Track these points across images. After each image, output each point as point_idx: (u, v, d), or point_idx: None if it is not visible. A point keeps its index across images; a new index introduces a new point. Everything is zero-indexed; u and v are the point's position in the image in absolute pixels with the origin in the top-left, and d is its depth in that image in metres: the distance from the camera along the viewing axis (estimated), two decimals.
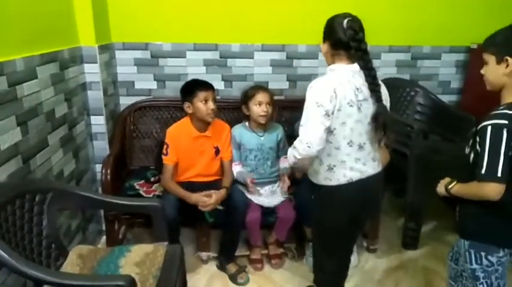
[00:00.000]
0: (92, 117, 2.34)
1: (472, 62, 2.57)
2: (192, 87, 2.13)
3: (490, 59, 1.32)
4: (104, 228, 2.43)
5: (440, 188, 1.50)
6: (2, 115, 1.45)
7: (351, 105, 1.41)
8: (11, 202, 1.41)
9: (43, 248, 1.52)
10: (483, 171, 1.24)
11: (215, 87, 2.20)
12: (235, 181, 2.28)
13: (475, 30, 2.60)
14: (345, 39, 1.42)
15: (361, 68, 1.45)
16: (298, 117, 2.55)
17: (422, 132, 2.55)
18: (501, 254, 1.36)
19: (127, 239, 2.47)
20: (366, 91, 1.45)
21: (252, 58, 2.72)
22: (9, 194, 1.40)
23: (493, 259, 1.37)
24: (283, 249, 2.42)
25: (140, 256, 1.61)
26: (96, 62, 2.24)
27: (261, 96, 2.21)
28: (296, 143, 1.44)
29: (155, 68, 2.67)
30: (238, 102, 2.41)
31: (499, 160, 1.22)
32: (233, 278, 2.20)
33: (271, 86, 2.69)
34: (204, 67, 2.69)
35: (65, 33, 2.05)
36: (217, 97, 2.45)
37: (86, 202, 1.64)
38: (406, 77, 2.87)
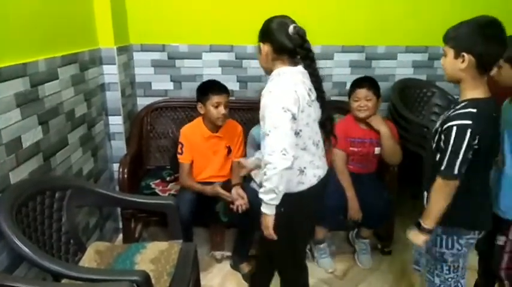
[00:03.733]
0: (110, 118, 2.40)
1: None
2: (207, 90, 2.15)
3: (449, 52, 1.35)
4: (120, 226, 2.49)
5: (415, 238, 1.48)
6: (24, 114, 1.51)
7: (309, 106, 1.44)
8: (32, 198, 1.46)
9: (62, 243, 1.57)
10: (442, 168, 1.33)
11: (230, 88, 2.22)
12: (249, 181, 2.29)
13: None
14: (291, 45, 1.41)
15: (310, 75, 1.48)
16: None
17: None
18: (470, 235, 1.46)
19: (143, 238, 2.52)
20: (314, 92, 1.50)
21: None
22: (30, 191, 1.46)
23: (462, 242, 1.46)
24: None
25: (155, 253, 1.64)
26: (114, 64, 2.30)
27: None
28: (268, 161, 1.33)
29: (172, 69, 2.71)
30: (252, 103, 2.43)
31: (458, 158, 1.29)
32: (246, 277, 2.22)
33: None
34: (220, 68, 2.72)
35: (85, 35, 2.12)
36: (232, 98, 2.48)
37: (103, 199, 1.69)
38: (423, 77, 2.83)
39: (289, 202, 1.43)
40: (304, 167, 1.48)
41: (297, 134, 1.40)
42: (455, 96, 2.68)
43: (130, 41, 2.61)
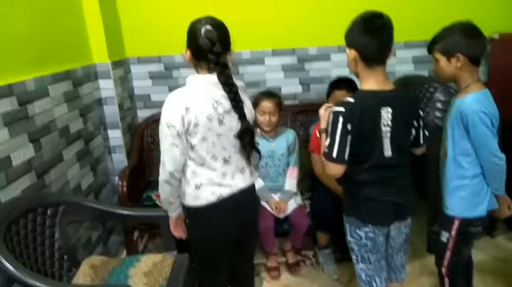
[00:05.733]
0: (109, 131, 2.42)
1: (494, 53, 2.42)
2: None
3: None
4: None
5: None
6: (13, 133, 1.53)
7: (210, 120, 1.35)
8: (23, 216, 1.48)
9: (55, 259, 1.58)
10: (325, 150, 1.40)
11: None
12: None
13: (495, 20, 2.47)
14: (201, 50, 1.34)
15: (221, 83, 1.36)
16: (314, 121, 2.53)
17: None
18: (367, 229, 1.48)
19: (148, 250, 2.52)
20: (227, 103, 1.38)
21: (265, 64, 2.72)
22: (21, 208, 1.47)
23: (361, 233, 1.49)
24: (300, 256, 2.38)
25: (149, 266, 1.64)
26: (110, 78, 2.33)
27: (264, 106, 2.19)
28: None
29: (169, 80, 2.72)
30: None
31: (335, 143, 1.36)
32: None
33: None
34: None
35: (78, 52, 2.15)
36: None
37: (96, 214, 1.70)
38: (425, 73, 2.75)
39: (190, 214, 1.50)
40: (201, 183, 1.42)
41: (191, 148, 1.39)
42: None
43: (127, 54, 2.64)
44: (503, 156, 1.49)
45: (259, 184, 2.19)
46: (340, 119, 1.35)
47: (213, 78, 1.37)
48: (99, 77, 2.32)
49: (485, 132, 1.46)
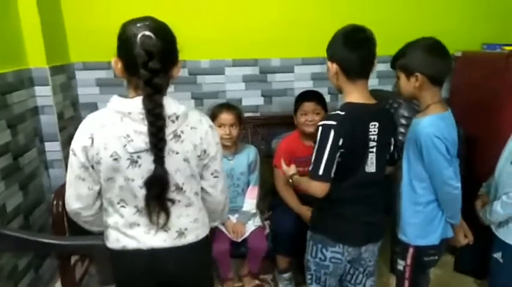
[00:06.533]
0: (46, 144, 2.17)
1: (457, 69, 2.38)
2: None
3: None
4: None
5: (288, 172, 1.60)
6: None
7: (115, 159, 1.06)
8: None
9: None
10: (310, 168, 1.31)
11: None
12: None
13: (459, 37, 2.44)
14: (133, 63, 1.01)
15: (146, 112, 1.02)
16: (276, 134, 2.40)
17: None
18: (336, 249, 1.40)
19: (90, 275, 2.25)
20: (141, 140, 1.05)
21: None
22: None
23: (327, 254, 1.41)
24: (258, 281, 2.20)
25: None
26: (48, 85, 2.08)
27: (223, 118, 2.02)
28: None
29: (119, 89, 2.42)
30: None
31: (322, 158, 1.27)
32: None
33: None
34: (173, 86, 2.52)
35: (9, 54, 1.89)
36: None
37: (14, 243, 1.44)
38: (389, 88, 2.68)
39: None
40: (108, 225, 1.18)
41: (100, 184, 1.13)
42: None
43: (71, 59, 2.39)
44: (458, 185, 1.41)
45: None
46: (331, 133, 1.27)
47: (132, 104, 1.04)
48: (35, 84, 2.06)
49: (438, 159, 1.36)
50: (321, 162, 1.27)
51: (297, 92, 2.31)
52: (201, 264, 1.28)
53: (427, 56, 1.36)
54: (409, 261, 1.51)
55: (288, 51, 2.58)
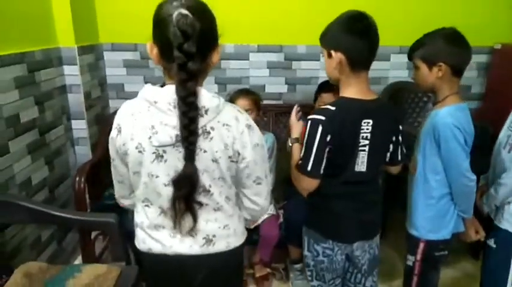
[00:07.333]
0: (73, 122, 2.24)
1: (495, 63, 2.24)
2: None
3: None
4: None
5: (293, 129, 1.46)
6: None
7: (139, 151, 0.99)
8: None
9: None
10: (300, 162, 1.28)
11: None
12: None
13: (498, 29, 2.28)
14: (168, 45, 0.90)
15: (179, 101, 0.92)
16: None
17: None
18: (327, 245, 1.38)
19: (109, 251, 2.34)
20: (169, 133, 0.95)
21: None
22: None
23: (319, 249, 1.39)
24: (270, 269, 2.20)
25: (90, 278, 1.46)
26: (76, 64, 2.14)
27: (239, 103, 2.01)
28: None
29: (145, 70, 2.53)
30: None
31: (310, 155, 1.23)
32: None
33: None
34: None
35: (38, 33, 1.95)
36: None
37: (31, 215, 1.50)
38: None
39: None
40: (137, 224, 1.13)
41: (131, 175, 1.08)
42: None
43: (100, 40, 2.44)
44: (474, 177, 1.37)
45: None
46: (319, 129, 1.22)
47: (161, 92, 0.97)
48: (64, 63, 2.13)
49: (457, 149, 1.33)
50: (309, 158, 1.24)
51: (322, 81, 2.25)
52: (232, 277, 1.20)
53: (450, 46, 1.33)
54: (419, 256, 1.50)
55: (315, 39, 2.47)
